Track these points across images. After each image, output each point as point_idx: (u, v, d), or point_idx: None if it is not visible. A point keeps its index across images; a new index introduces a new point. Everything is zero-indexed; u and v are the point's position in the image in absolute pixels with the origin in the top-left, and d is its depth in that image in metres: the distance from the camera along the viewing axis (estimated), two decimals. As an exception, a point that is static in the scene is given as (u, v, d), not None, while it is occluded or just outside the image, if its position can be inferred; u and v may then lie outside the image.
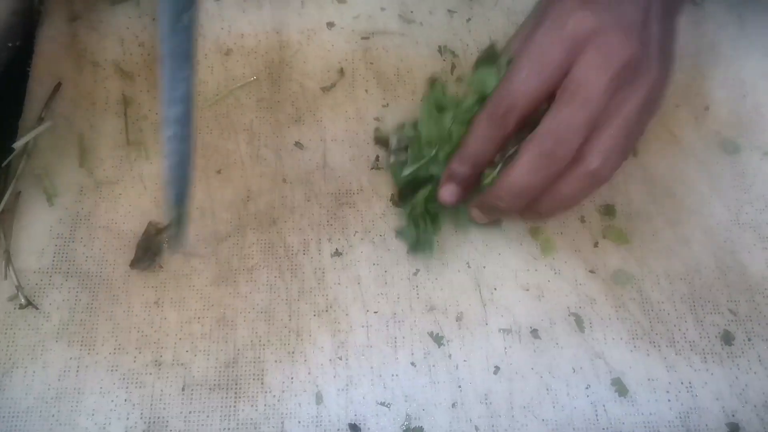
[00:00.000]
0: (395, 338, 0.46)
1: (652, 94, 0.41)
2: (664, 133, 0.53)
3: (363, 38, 0.55)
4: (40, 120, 0.51)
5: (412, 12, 0.56)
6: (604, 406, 0.45)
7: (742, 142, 0.53)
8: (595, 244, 0.49)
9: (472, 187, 0.45)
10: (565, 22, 0.39)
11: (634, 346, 0.47)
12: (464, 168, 0.44)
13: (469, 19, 0.56)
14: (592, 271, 0.49)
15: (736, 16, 0.57)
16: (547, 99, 0.40)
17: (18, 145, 0.49)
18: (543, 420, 0.44)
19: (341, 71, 0.54)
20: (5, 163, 0.48)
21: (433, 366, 0.46)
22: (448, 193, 0.45)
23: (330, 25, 0.56)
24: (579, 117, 0.39)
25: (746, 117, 0.54)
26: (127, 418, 0.43)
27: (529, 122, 0.42)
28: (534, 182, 0.41)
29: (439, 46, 0.55)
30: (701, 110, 0.54)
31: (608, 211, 0.50)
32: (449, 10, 0.57)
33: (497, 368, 0.46)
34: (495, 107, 0.41)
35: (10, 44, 0.53)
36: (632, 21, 0.40)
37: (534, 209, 0.43)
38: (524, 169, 0.40)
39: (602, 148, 0.40)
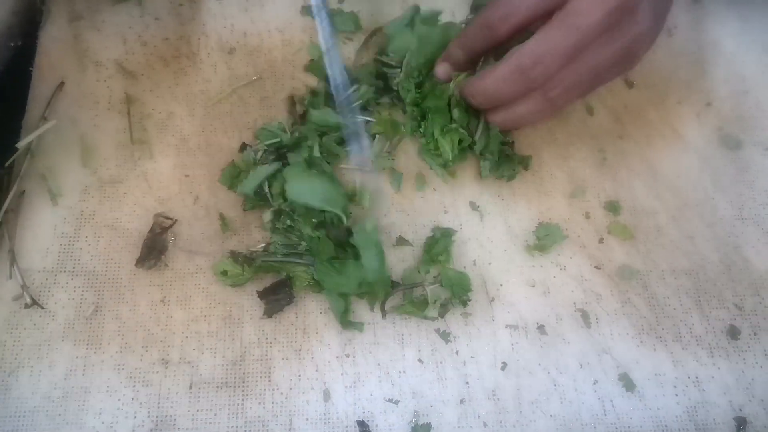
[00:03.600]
0: (402, 335, 0.46)
1: (633, 46, 0.44)
2: (667, 129, 0.53)
3: (366, 36, 0.55)
4: (44, 119, 0.50)
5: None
6: (611, 401, 0.45)
7: (744, 138, 0.53)
8: (600, 240, 0.50)
9: (463, 69, 0.49)
10: None
11: (641, 341, 0.47)
12: (458, 53, 0.49)
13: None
14: (597, 267, 0.49)
15: (737, 13, 0.58)
16: (542, 18, 0.43)
17: (21, 144, 0.49)
18: (551, 416, 0.44)
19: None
20: (9, 162, 0.48)
21: (441, 362, 0.45)
22: (442, 70, 0.50)
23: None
24: (563, 44, 0.42)
25: (748, 113, 0.54)
26: (135, 417, 0.43)
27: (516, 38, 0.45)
28: (504, 90, 0.45)
29: None
30: (703, 107, 0.54)
31: (612, 207, 0.50)
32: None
33: (504, 364, 0.46)
34: (494, 11, 0.45)
35: (12, 44, 0.53)
36: None
37: (490, 118, 0.48)
38: (499, 77, 0.44)
39: (566, 82, 0.43)
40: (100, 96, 0.52)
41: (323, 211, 0.45)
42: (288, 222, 0.45)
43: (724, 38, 0.57)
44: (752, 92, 0.55)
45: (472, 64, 0.49)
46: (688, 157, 0.53)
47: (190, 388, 0.44)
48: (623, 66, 0.45)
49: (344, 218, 0.45)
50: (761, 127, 0.54)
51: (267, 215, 0.47)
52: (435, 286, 0.47)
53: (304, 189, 0.45)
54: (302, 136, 0.49)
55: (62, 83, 0.52)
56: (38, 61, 0.53)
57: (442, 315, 0.47)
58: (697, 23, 0.57)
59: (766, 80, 0.56)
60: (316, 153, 0.47)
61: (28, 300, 0.45)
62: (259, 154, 0.49)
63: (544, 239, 0.49)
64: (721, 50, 0.56)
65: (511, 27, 0.44)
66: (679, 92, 0.55)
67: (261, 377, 0.44)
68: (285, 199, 0.46)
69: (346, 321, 0.45)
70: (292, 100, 0.52)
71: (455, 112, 0.49)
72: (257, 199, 0.48)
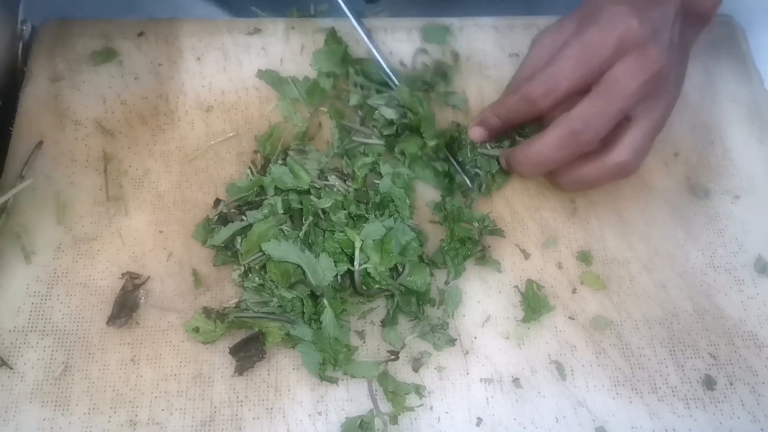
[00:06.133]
0: (376, 391, 0.45)
1: (667, 109, 0.48)
2: (636, 179, 0.54)
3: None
4: (21, 178, 0.51)
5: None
6: (588, 455, 0.44)
7: (712, 186, 0.54)
8: (573, 291, 0.50)
9: (496, 136, 0.52)
10: (617, 25, 0.45)
11: (617, 393, 0.46)
12: (495, 120, 0.51)
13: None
14: (571, 317, 0.49)
15: (701, 66, 0.60)
16: (581, 92, 0.46)
17: (-3, 203, 0.49)
18: (527, 472, 0.44)
19: (319, 125, 0.55)
20: (-17, 221, 0.48)
21: (415, 419, 0.45)
22: (477, 133, 0.52)
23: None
24: (610, 108, 0.45)
25: (715, 162, 0.56)
26: (101, 482, 0.42)
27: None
28: (554, 157, 0.47)
29: None
30: (671, 156, 0.56)
31: (585, 257, 0.51)
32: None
33: (480, 420, 0.45)
34: (536, 86, 0.47)
35: (-8, 104, 0.54)
36: (666, 42, 0.45)
37: (557, 180, 0.50)
38: (549, 143, 0.46)
39: (633, 144, 0.46)
40: (78, 154, 0.53)
41: (299, 268, 0.46)
42: (258, 280, 0.45)
43: (689, 90, 0.58)
44: (718, 142, 0.56)
45: (505, 131, 0.52)
46: (658, 206, 0.53)
47: (159, 449, 0.43)
48: (661, 129, 0.48)
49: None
50: (728, 175, 0.55)
51: (236, 273, 0.47)
52: (411, 337, 0.47)
53: (284, 247, 0.45)
54: (262, 191, 0.50)
55: (41, 142, 0.53)
56: (18, 121, 0.54)
57: (415, 369, 0.46)
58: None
59: (731, 130, 0.57)
60: (279, 210, 0.48)
61: (-3, 361, 0.44)
62: (231, 209, 0.49)
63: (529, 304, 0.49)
64: (686, 101, 0.58)
65: (552, 102, 0.47)
66: (647, 143, 0.56)
67: (231, 437, 0.44)
68: (255, 254, 0.46)
69: (323, 373, 0.45)
70: (255, 153, 0.53)
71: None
72: (228, 255, 0.48)
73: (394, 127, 0.53)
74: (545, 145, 0.47)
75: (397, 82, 0.54)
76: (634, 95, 0.44)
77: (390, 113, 0.52)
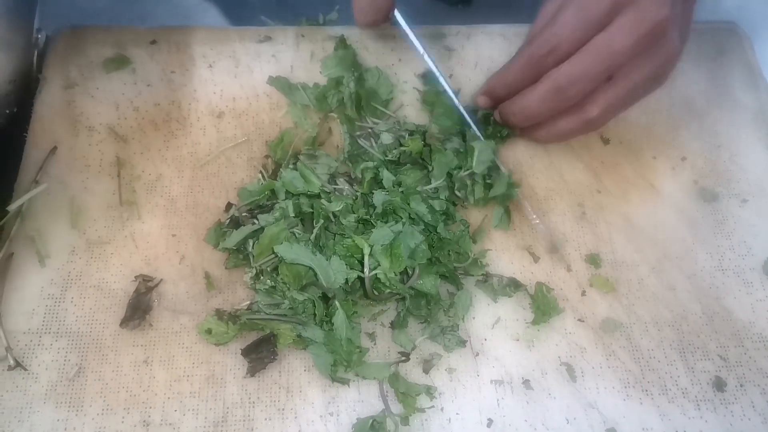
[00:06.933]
0: (387, 392, 0.46)
1: (665, 65, 0.48)
2: (644, 184, 0.54)
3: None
4: (35, 183, 0.52)
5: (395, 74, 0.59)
6: (599, 457, 0.44)
7: (720, 190, 0.55)
8: (583, 293, 0.50)
9: (502, 101, 0.52)
10: None
11: (627, 395, 0.46)
12: (500, 89, 0.52)
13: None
14: (580, 320, 0.49)
15: (707, 72, 0.60)
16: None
17: (12, 207, 0.50)
18: (538, 473, 0.44)
19: (329, 131, 0.56)
20: (-1, 225, 0.49)
21: (426, 420, 0.45)
22: (483, 101, 0.54)
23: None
24: (598, 67, 0.46)
25: (722, 166, 0.56)
26: (114, 482, 0.42)
27: None
28: (541, 110, 0.49)
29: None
30: (678, 161, 0.56)
31: (593, 260, 0.51)
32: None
33: (490, 421, 0.45)
34: (539, 47, 0.48)
35: (7, 111, 0.55)
36: None
37: (533, 133, 0.53)
38: (537, 97, 0.48)
39: (604, 103, 0.48)
40: (92, 159, 0.53)
41: (311, 270, 0.46)
42: (269, 282, 0.46)
43: (695, 96, 0.59)
44: (725, 146, 0.57)
45: (508, 98, 0.53)
46: (665, 210, 0.54)
47: (172, 450, 0.43)
48: (654, 85, 0.50)
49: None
50: (736, 179, 0.55)
51: (248, 275, 0.47)
52: (422, 339, 0.47)
53: (296, 249, 0.46)
54: (273, 195, 0.50)
55: (55, 148, 0.54)
56: (32, 127, 0.54)
57: (426, 371, 0.46)
58: (668, 81, 0.59)
59: (737, 134, 0.57)
60: (291, 213, 0.48)
61: (12, 362, 0.45)
62: (242, 213, 0.50)
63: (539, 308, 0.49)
64: (693, 107, 0.58)
65: (558, 59, 0.47)
66: (654, 148, 0.56)
67: (243, 438, 0.44)
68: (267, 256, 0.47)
69: (335, 374, 0.45)
70: (266, 158, 0.54)
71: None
72: (240, 258, 0.48)
73: (396, 154, 0.52)
74: (532, 99, 0.49)
75: (474, 127, 0.54)
76: (624, 54, 0.45)
77: (388, 138, 0.53)
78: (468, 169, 0.52)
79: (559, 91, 0.47)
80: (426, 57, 0.55)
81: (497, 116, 0.53)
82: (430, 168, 0.52)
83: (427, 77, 0.58)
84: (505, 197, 0.52)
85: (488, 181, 0.52)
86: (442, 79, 0.54)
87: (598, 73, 0.46)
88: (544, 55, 0.48)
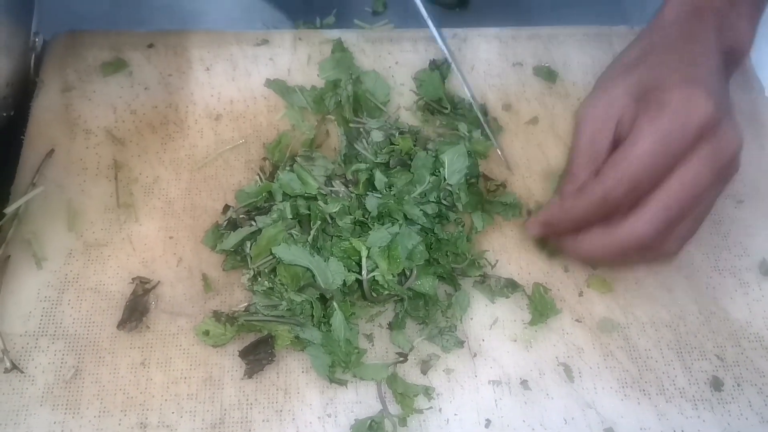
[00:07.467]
0: (384, 393, 0.46)
1: (728, 180, 0.45)
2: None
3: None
4: (32, 185, 0.52)
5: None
6: (597, 457, 0.44)
7: (715, 191, 0.55)
8: (580, 294, 0.50)
9: (559, 234, 0.48)
10: (696, 112, 0.42)
11: (625, 395, 0.47)
12: (565, 225, 0.47)
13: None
14: (578, 320, 0.49)
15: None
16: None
17: (9, 210, 0.50)
18: (537, 474, 0.44)
19: (327, 133, 0.56)
20: (-4, 228, 0.49)
21: (424, 421, 0.45)
22: (536, 229, 0.48)
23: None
24: (690, 204, 0.43)
25: (718, 167, 0.56)
26: (111, 485, 0.42)
27: None
28: (590, 212, 0.44)
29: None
30: (674, 162, 0.56)
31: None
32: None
33: (488, 421, 0.45)
34: (615, 188, 0.43)
35: (4, 114, 0.55)
36: (733, 113, 0.44)
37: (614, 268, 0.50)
38: (582, 206, 0.45)
39: (681, 236, 0.45)
40: (89, 162, 0.53)
41: (309, 271, 0.46)
42: (267, 284, 0.46)
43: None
44: (720, 147, 0.57)
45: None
46: (662, 211, 0.54)
47: (169, 452, 0.43)
48: (723, 186, 0.46)
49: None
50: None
51: (245, 277, 0.47)
52: (420, 340, 0.47)
53: (294, 250, 0.46)
54: (270, 197, 0.50)
55: (52, 150, 0.54)
56: (29, 130, 0.54)
57: (424, 371, 0.46)
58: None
59: (732, 136, 0.58)
60: (288, 215, 0.48)
61: (8, 364, 0.45)
62: (240, 215, 0.50)
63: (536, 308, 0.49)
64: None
65: (637, 197, 0.44)
66: (650, 149, 0.57)
67: (241, 440, 0.44)
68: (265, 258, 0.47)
69: (333, 376, 0.45)
70: (263, 160, 0.54)
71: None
72: (237, 260, 0.48)
73: (387, 156, 0.51)
74: (631, 237, 0.44)
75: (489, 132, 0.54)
76: (707, 187, 0.43)
77: (379, 136, 0.52)
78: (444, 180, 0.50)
79: (605, 197, 0.43)
80: (441, 43, 0.55)
81: (538, 234, 0.49)
82: (412, 172, 0.50)
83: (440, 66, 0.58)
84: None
85: (472, 181, 0.52)
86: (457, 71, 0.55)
87: (690, 210, 0.43)
88: (622, 194, 0.43)
